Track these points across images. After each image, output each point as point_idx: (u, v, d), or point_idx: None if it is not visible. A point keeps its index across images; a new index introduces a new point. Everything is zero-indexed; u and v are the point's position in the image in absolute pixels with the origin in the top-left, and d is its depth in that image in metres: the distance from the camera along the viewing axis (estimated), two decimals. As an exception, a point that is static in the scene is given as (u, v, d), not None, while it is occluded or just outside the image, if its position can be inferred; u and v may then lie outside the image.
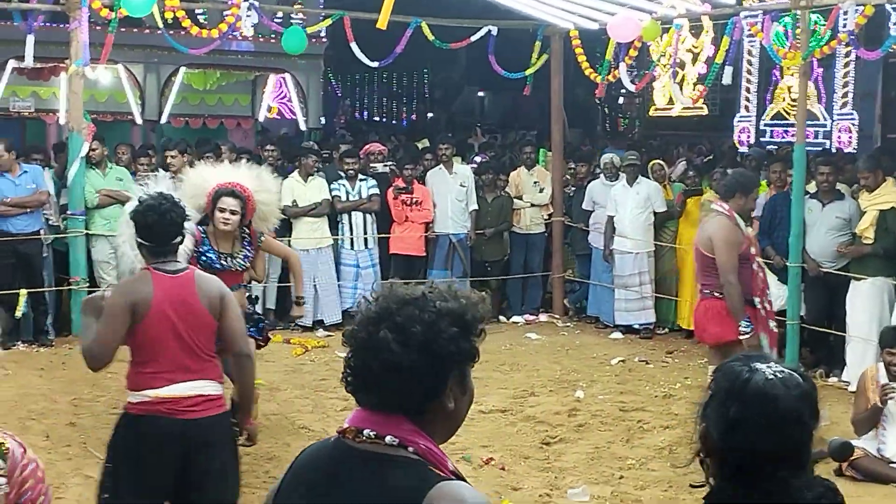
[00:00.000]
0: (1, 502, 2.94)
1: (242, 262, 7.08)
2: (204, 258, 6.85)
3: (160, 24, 10.63)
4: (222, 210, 6.89)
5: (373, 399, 2.28)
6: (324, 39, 17.27)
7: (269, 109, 18.88)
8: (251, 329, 6.97)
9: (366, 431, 2.26)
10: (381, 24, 10.56)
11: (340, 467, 2.28)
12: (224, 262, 6.94)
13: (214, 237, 6.98)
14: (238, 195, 6.93)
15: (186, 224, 5.12)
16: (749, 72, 18.00)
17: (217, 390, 4.93)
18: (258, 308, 7.86)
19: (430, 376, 2.24)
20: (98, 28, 10.62)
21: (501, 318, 12.77)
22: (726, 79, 11.17)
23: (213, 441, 4.83)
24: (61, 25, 11.31)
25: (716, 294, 7.34)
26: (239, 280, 7.08)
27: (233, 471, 5.02)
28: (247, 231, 7.14)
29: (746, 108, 18.29)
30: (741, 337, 7.22)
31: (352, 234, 12.03)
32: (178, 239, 4.94)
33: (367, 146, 13.71)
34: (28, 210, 10.68)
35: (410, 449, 2.24)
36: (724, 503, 2.46)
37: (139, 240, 4.96)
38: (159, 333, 4.75)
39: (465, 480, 2.28)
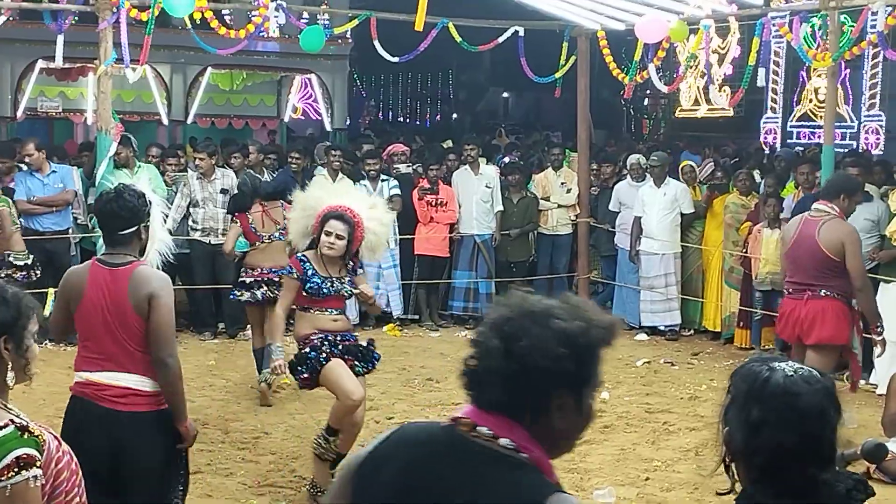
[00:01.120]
0: (37, 493, 2.97)
1: (350, 289, 6.73)
2: (310, 284, 6.54)
3: (188, 25, 10.67)
4: (328, 234, 6.55)
5: (484, 400, 2.27)
6: (349, 40, 17.33)
7: (295, 110, 18.96)
8: (369, 365, 6.72)
9: (482, 428, 2.23)
10: (418, 25, 10.56)
11: (453, 455, 2.25)
12: (330, 287, 6.59)
13: (321, 261, 6.60)
14: (347, 220, 6.60)
15: (154, 222, 5.09)
16: (776, 73, 17.94)
17: (147, 386, 4.84)
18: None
19: (529, 391, 2.21)
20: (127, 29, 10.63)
21: (526, 318, 12.77)
22: (760, 80, 11.10)
23: (142, 438, 4.79)
24: (89, 26, 11.37)
25: (836, 294, 7.34)
26: (342, 305, 6.80)
27: (167, 472, 4.93)
28: (351, 259, 6.80)
29: (773, 109, 18.24)
30: (877, 337, 7.40)
31: (374, 234, 12.03)
32: (126, 231, 4.89)
33: (390, 147, 13.74)
34: (55, 209, 10.77)
35: (524, 455, 2.21)
36: None
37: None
38: (90, 322, 4.85)
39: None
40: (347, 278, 6.68)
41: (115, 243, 4.92)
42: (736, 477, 2.47)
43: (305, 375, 6.55)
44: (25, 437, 2.97)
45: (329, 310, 6.63)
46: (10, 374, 3.10)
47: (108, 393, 4.80)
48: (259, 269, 9.13)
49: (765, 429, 2.37)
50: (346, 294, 6.74)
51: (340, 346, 6.56)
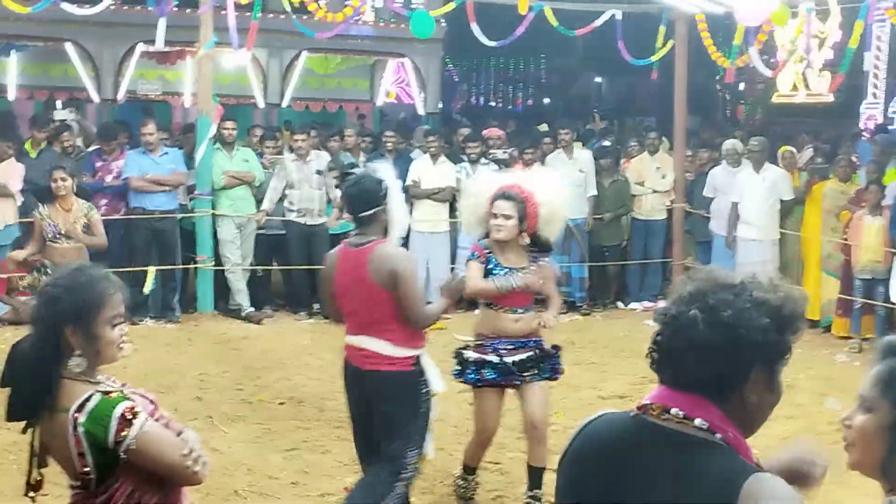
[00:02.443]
0: (158, 428, 3.13)
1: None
2: (493, 278, 5.94)
3: (288, 8, 10.78)
4: (495, 216, 5.90)
5: (676, 378, 2.23)
6: (443, 24, 17.33)
7: (388, 94, 19.03)
8: (547, 372, 6.12)
9: (673, 410, 2.20)
10: (522, 9, 10.59)
11: (646, 443, 2.22)
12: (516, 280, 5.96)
13: (501, 250, 5.97)
14: (513, 197, 5.89)
15: (393, 205, 5.40)
16: (877, 57, 17.50)
17: (391, 351, 5.37)
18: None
19: (731, 362, 2.18)
20: (224, 13, 10.77)
21: (619, 304, 12.70)
22: (867, 65, 10.87)
23: (384, 394, 5.37)
24: (188, 10, 11.55)
25: None
26: (528, 301, 6.09)
27: (404, 425, 5.40)
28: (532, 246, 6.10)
29: (874, 94, 17.80)
30: None
31: (470, 217, 12.03)
32: (366, 213, 5.34)
33: (485, 131, 13.73)
34: (167, 189, 10.97)
35: (718, 436, 2.17)
36: None
37: None
38: (343, 297, 5.46)
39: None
40: (532, 268, 6.01)
41: (360, 224, 5.43)
42: None
43: (462, 380, 6.15)
44: (112, 396, 3.07)
45: (513, 308, 6.00)
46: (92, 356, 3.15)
47: (359, 353, 5.44)
48: None
49: None
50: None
51: (508, 361, 5.97)
